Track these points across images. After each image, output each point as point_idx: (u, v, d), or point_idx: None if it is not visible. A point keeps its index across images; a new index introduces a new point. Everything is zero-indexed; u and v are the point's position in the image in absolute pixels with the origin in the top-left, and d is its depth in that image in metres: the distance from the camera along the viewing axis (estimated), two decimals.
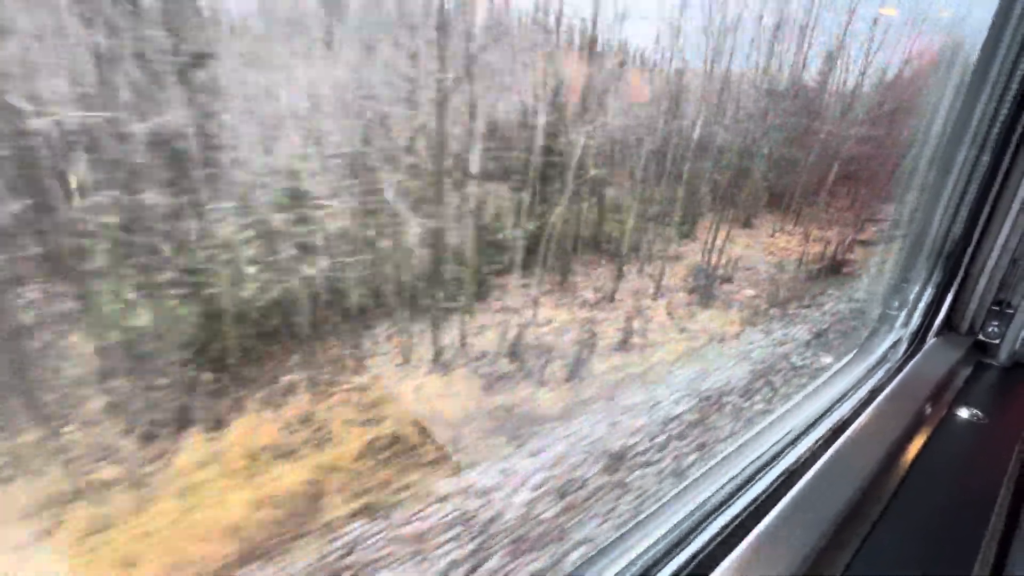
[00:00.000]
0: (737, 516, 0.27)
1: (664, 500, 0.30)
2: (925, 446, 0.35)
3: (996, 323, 0.46)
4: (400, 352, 2.06)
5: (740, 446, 0.36)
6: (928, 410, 0.38)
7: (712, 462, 0.34)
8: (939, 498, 0.32)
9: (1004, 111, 0.39)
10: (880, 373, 0.41)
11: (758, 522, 0.26)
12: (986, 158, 0.40)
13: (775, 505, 0.27)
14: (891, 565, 0.27)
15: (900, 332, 0.44)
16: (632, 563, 0.24)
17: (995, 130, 0.40)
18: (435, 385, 2.06)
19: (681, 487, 0.31)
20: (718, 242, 3.32)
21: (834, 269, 3.54)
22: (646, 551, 0.26)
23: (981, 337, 0.46)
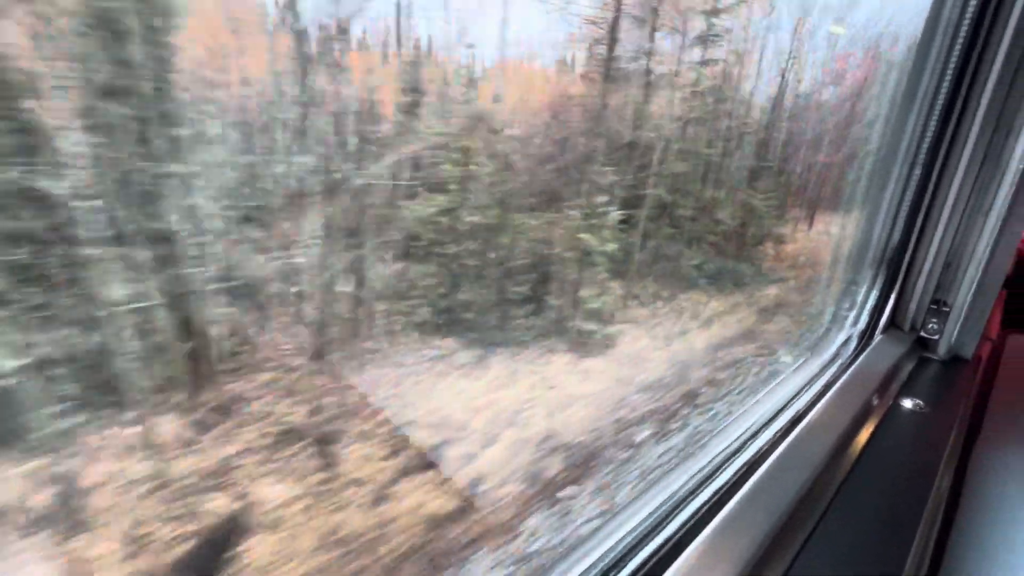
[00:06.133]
0: (703, 505, 0.30)
1: (636, 494, 0.33)
2: (873, 434, 0.39)
3: (935, 320, 0.50)
4: None
5: (707, 441, 0.39)
6: (875, 401, 0.42)
7: (682, 456, 0.37)
8: (885, 481, 0.36)
9: (931, 129, 0.44)
10: (833, 368, 0.45)
11: (720, 509, 0.29)
12: (917, 172, 0.45)
13: (736, 493, 0.30)
14: (842, 544, 0.30)
15: (850, 331, 0.48)
16: (607, 552, 0.27)
17: (924, 147, 0.44)
18: None
19: (652, 481, 0.34)
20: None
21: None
22: (620, 541, 0.28)
23: (923, 334, 0.51)
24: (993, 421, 0.54)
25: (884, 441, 0.40)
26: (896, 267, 0.49)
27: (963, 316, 0.49)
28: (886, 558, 0.29)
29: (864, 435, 0.39)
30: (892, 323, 0.51)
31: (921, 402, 0.44)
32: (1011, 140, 0.43)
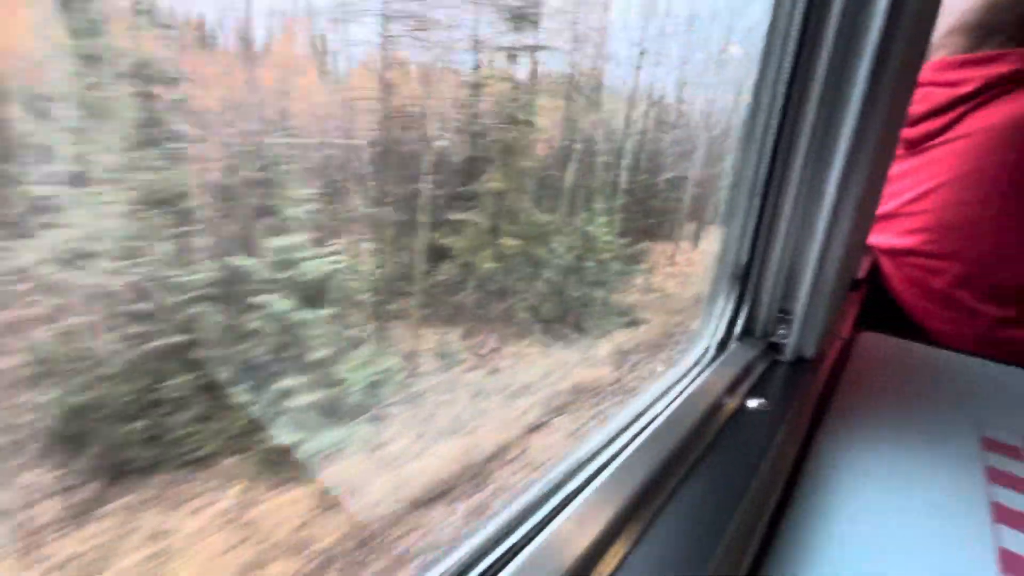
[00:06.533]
0: (551, 512, 0.32)
1: (504, 502, 0.35)
2: (718, 434, 0.43)
3: (783, 328, 0.57)
4: None
5: (576, 447, 0.42)
6: (725, 402, 0.47)
7: (554, 462, 0.39)
8: (721, 478, 0.40)
9: (764, 164, 0.50)
10: (692, 375, 0.49)
11: (560, 513, 0.31)
12: (757, 201, 0.51)
13: (576, 497, 0.32)
14: (669, 542, 0.33)
15: (708, 341, 0.53)
16: (453, 562, 0.28)
17: (760, 178, 0.50)
18: None
19: (522, 488, 0.36)
20: None
21: None
22: (487, 540, 0.30)
23: (773, 340, 0.57)
24: (833, 416, 0.62)
25: (729, 439, 0.44)
26: (747, 280, 0.55)
27: (802, 321, 0.55)
28: (709, 553, 0.33)
29: (710, 434, 0.43)
30: (747, 331, 0.57)
31: (766, 401, 0.49)
32: (827, 172, 0.50)
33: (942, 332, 1.08)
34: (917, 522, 0.46)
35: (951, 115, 1.05)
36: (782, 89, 0.48)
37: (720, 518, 0.36)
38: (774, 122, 0.49)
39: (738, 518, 0.37)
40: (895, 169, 1.17)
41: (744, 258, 0.54)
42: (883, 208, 1.19)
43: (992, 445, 0.57)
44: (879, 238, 1.20)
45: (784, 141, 0.50)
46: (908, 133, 1.13)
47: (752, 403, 0.48)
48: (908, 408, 0.66)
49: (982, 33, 1.06)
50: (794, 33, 0.49)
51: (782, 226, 0.52)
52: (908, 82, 0.61)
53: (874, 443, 0.57)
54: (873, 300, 1.21)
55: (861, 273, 1.08)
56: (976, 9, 1.07)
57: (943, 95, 1.06)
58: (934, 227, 1.07)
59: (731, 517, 0.36)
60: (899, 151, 1.16)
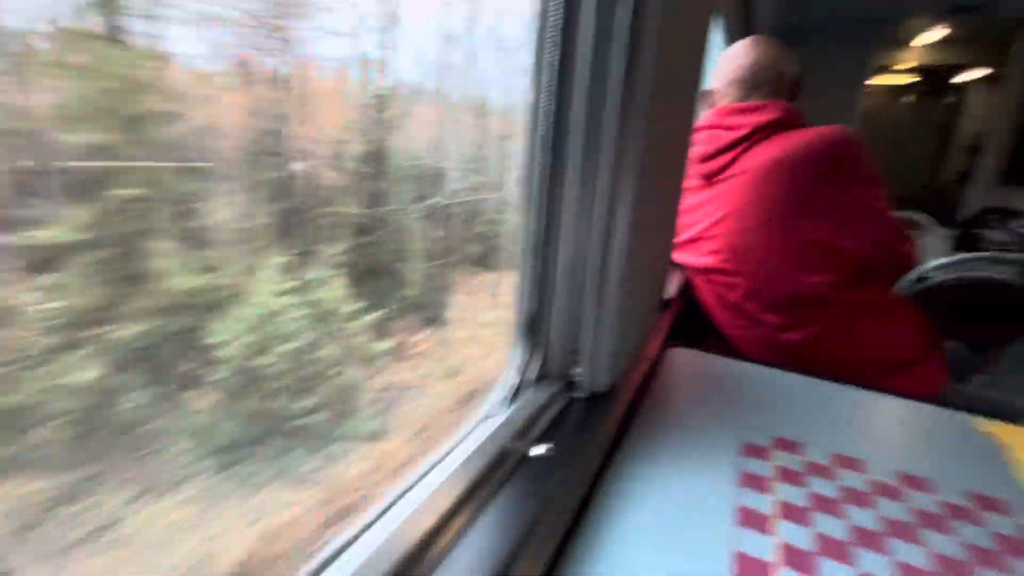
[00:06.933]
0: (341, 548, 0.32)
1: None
2: (508, 476, 0.45)
3: (579, 368, 0.61)
4: None
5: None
6: (513, 447, 0.48)
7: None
8: (511, 518, 0.41)
9: (542, 219, 0.54)
10: (487, 421, 0.51)
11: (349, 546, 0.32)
12: (540, 252, 0.55)
13: (361, 536, 0.33)
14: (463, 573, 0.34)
15: (504, 389, 0.55)
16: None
17: (540, 230, 0.54)
18: None
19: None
20: None
21: None
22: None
23: (571, 379, 0.61)
24: (633, 435, 0.68)
25: (517, 481, 0.46)
26: (539, 326, 0.59)
27: (591, 358, 0.60)
28: None
29: (495, 479, 0.45)
30: (544, 376, 0.61)
31: (552, 446, 0.52)
32: (591, 221, 0.55)
33: (738, 339, 1.26)
34: (673, 532, 0.52)
35: (732, 153, 1.23)
36: (548, 144, 0.53)
37: (506, 556, 0.38)
38: (546, 175, 0.53)
39: (523, 552, 0.39)
40: (699, 198, 1.34)
41: (534, 306, 0.57)
42: (690, 232, 1.36)
43: (749, 449, 0.67)
44: (689, 258, 1.37)
45: (555, 192, 0.54)
46: (704, 168, 1.31)
47: (537, 449, 0.50)
48: (697, 419, 0.75)
49: (750, 86, 1.27)
50: (553, 101, 0.53)
51: (560, 275, 0.56)
52: (662, 125, 0.69)
53: (660, 457, 0.64)
54: (688, 314, 1.38)
55: (673, 291, 1.22)
56: (746, 67, 1.28)
57: (727, 137, 1.24)
58: (727, 248, 1.24)
59: (517, 553, 0.38)
60: (700, 183, 1.34)
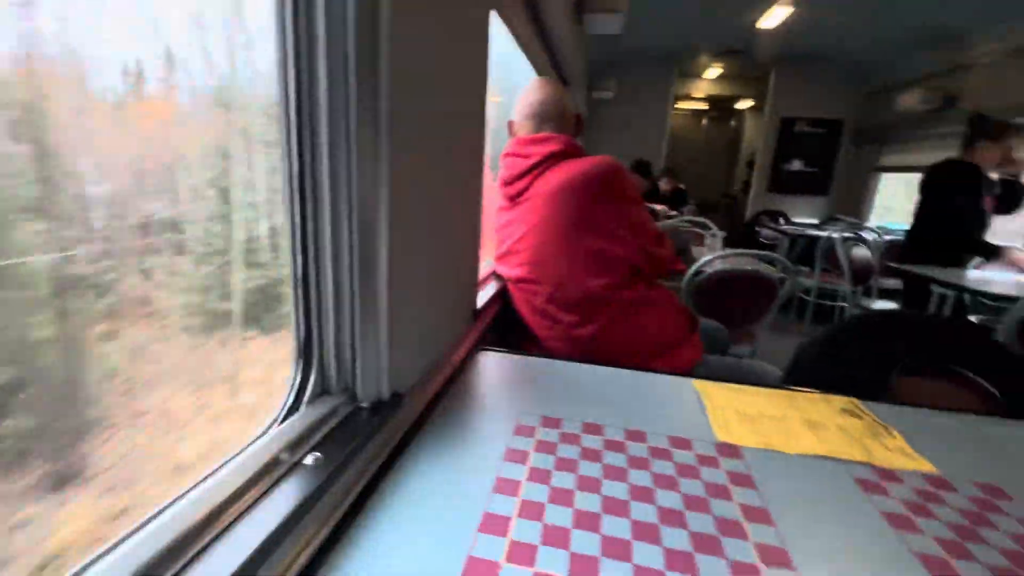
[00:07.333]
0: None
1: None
2: (272, 484, 0.50)
3: (357, 381, 0.68)
4: None
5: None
6: (283, 456, 0.54)
7: None
8: (274, 518, 0.46)
9: (300, 261, 0.61)
10: (263, 437, 0.56)
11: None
12: (305, 289, 0.61)
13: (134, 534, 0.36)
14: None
15: (278, 411, 0.60)
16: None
17: (298, 272, 0.61)
18: None
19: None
20: None
21: None
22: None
23: (353, 391, 0.67)
24: (420, 439, 0.77)
25: (283, 488, 0.52)
26: (317, 347, 0.65)
27: (363, 370, 0.68)
28: None
29: (261, 486, 0.50)
30: (325, 391, 0.67)
31: (319, 456, 0.58)
32: (350, 255, 0.63)
33: (545, 338, 1.45)
34: (440, 507, 0.61)
35: (529, 178, 1.42)
36: (296, 157, 0.59)
37: (260, 551, 0.43)
38: (299, 201, 0.60)
39: (279, 548, 0.45)
40: (508, 216, 1.51)
41: (306, 329, 0.63)
42: (504, 247, 1.52)
43: (520, 429, 0.81)
44: (505, 270, 1.53)
45: (308, 221, 0.61)
46: (510, 190, 1.48)
47: (309, 460, 0.56)
48: (485, 412, 0.88)
49: (540, 120, 1.48)
50: (297, 100, 0.59)
51: (327, 299, 0.64)
52: (435, 140, 0.79)
53: (447, 451, 0.74)
54: (507, 320, 1.54)
55: (484, 301, 1.36)
56: (535, 103, 1.48)
57: (523, 164, 1.43)
58: (530, 260, 1.42)
59: (270, 549, 0.44)
60: (508, 204, 1.51)
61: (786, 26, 4.73)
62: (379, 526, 0.58)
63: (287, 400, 0.61)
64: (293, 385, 0.62)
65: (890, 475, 0.75)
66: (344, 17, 0.53)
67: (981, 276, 2.78)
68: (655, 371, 1.13)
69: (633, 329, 1.39)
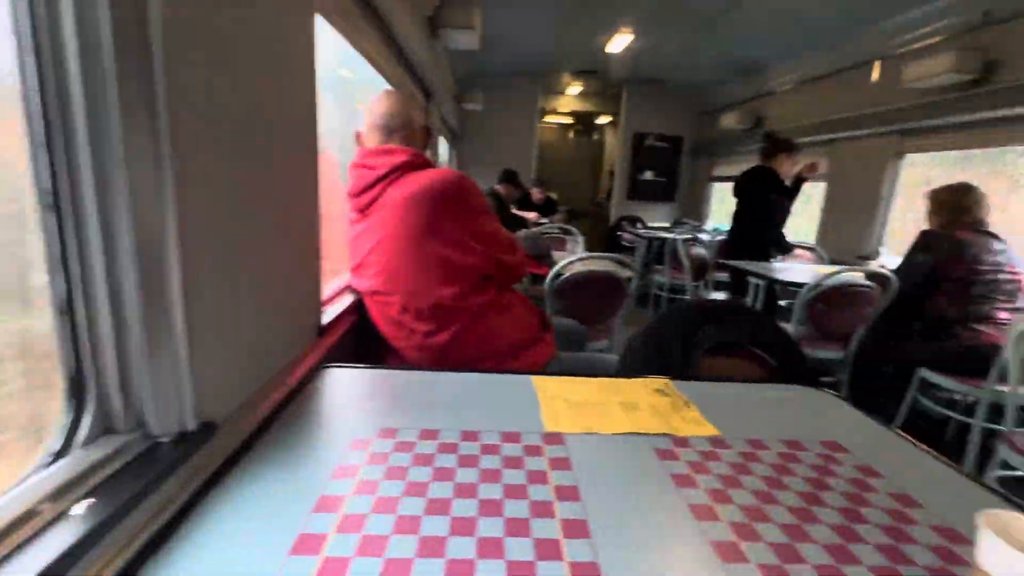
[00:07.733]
0: None
1: None
2: (28, 538, 0.44)
3: (150, 415, 0.62)
4: None
5: None
6: (43, 509, 0.47)
7: None
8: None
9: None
10: (16, 488, 0.48)
11: None
12: (73, 316, 0.54)
13: None
14: None
15: (48, 451, 0.53)
16: None
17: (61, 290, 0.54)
18: None
19: None
20: None
21: None
22: None
23: (145, 426, 0.61)
24: (240, 468, 0.72)
25: (39, 549, 0.46)
26: (92, 386, 0.59)
27: (157, 398, 0.62)
28: None
29: (11, 542, 0.44)
30: (108, 427, 0.60)
31: (95, 501, 0.52)
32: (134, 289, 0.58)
33: (402, 348, 1.45)
34: (256, 534, 0.58)
35: (376, 189, 1.41)
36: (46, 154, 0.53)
37: None
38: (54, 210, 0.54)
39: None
40: (359, 228, 1.48)
41: (75, 363, 0.57)
42: (357, 259, 1.49)
43: (355, 444, 0.81)
44: (359, 282, 1.50)
45: (69, 235, 0.55)
46: (358, 202, 1.45)
47: (78, 508, 0.50)
48: (322, 430, 0.85)
49: (387, 131, 1.48)
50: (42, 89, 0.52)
51: (104, 329, 0.58)
52: (237, 144, 0.76)
53: (273, 475, 0.70)
54: (365, 333, 1.51)
55: (332, 317, 1.32)
56: (382, 115, 1.48)
57: (370, 175, 1.41)
58: (383, 271, 1.41)
59: None
60: (357, 216, 1.48)
61: (631, 51, 5.29)
62: (174, 564, 0.54)
63: (53, 445, 0.54)
64: (63, 427, 0.55)
65: (683, 441, 0.87)
66: None
67: (783, 267, 3.36)
68: (510, 371, 1.19)
69: (486, 333, 1.45)
